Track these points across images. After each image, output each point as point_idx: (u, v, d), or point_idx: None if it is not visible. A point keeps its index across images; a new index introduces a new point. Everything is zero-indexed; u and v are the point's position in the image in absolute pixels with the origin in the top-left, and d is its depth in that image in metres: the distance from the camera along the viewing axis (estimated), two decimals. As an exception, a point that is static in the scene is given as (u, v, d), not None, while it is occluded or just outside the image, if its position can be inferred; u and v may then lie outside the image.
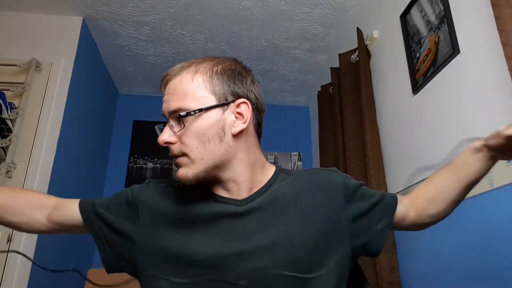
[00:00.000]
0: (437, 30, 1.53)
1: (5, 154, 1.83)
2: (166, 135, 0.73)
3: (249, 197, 0.76)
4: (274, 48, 2.52)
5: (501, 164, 1.15)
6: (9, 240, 1.72)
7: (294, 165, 3.13)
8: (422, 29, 1.65)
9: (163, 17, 2.24)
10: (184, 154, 0.73)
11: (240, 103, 0.76)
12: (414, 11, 1.72)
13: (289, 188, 0.78)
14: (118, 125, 3.04)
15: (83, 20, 2.24)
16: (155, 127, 0.79)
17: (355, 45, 2.18)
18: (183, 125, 0.72)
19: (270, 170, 0.82)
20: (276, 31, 2.36)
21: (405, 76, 1.76)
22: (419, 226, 0.86)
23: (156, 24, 2.30)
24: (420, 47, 1.66)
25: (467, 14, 1.37)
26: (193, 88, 0.73)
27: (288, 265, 0.70)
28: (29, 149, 1.89)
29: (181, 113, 0.71)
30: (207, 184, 0.77)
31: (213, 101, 0.73)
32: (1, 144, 1.83)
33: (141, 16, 2.23)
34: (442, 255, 1.43)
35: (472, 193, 1.26)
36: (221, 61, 0.78)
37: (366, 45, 2.13)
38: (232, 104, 0.75)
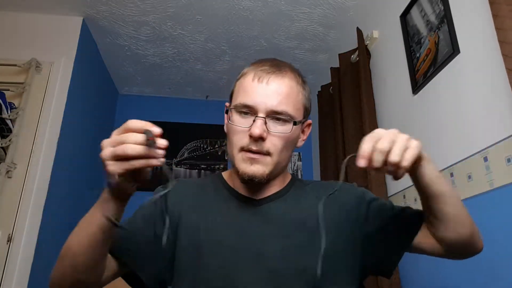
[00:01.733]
0: (437, 30, 1.53)
1: (5, 154, 1.83)
2: (263, 130, 0.73)
3: (267, 197, 0.81)
4: (274, 48, 2.52)
5: (501, 164, 1.15)
6: (9, 240, 1.72)
7: (294, 165, 3.13)
8: (422, 29, 1.65)
9: (163, 17, 2.24)
10: (269, 154, 0.75)
11: (309, 123, 0.85)
12: (414, 11, 1.72)
13: (305, 198, 0.82)
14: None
15: (83, 20, 2.24)
16: (233, 110, 0.78)
17: (355, 45, 2.18)
18: (289, 130, 0.75)
19: (288, 177, 0.88)
20: (276, 31, 2.36)
21: (405, 76, 1.76)
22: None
23: (156, 24, 2.30)
24: (420, 47, 1.66)
25: (467, 14, 1.37)
26: (300, 98, 0.79)
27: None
28: (29, 149, 1.89)
29: (296, 120, 0.76)
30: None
31: (302, 115, 0.80)
32: (1, 144, 1.84)
33: (141, 16, 2.23)
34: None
35: (472, 193, 1.27)
36: (305, 79, 0.85)
37: (366, 45, 2.13)
38: (305, 122, 0.84)
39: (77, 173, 2.29)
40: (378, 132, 0.63)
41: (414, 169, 0.68)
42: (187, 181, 0.90)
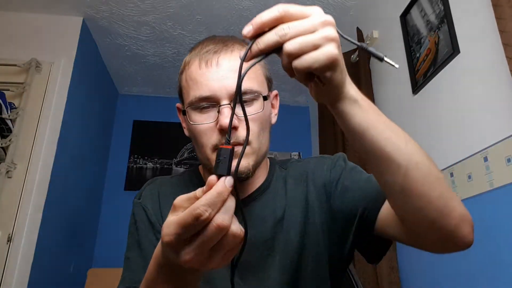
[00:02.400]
0: (437, 30, 1.53)
1: (5, 154, 1.83)
2: (232, 117, 0.49)
3: (250, 195, 0.73)
4: (274, 48, 2.52)
5: (501, 164, 1.15)
6: (9, 240, 1.72)
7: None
8: (422, 29, 1.65)
9: (163, 17, 2.24)
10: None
11: (276, 94, 0.75)
12: (414, 11, 1.72)
13: (285, 189, 0.75)
14: (118, 125, 3.04)
15: (83, 20, 2.24)
16: (188, 109, 0.66)
17: (355, 45, 2.18)
18: (261, 108, 0.65)
19: (268, 163, 0.79)
20: (276, 31, 2.36)
21: (405, 76, 1.76)
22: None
23: (156, 24, 2.30)
24: (420, 47, 1.65)
25: (467, 14, 1.37)
26: (258, 72, 0.68)
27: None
28: (29, 149, 1.89)
29: (264, 95, 0.65)
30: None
31: (266, 86, 0.70)
32: (1, 144, 1.84)
33: (141, 16, 2.23)
34: (442, 255, 1.43)
35: (472, 193, 1.27)
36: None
37: (366, 45, 2.13)
38: (271, 94, 0.73)
39: (77, 173, 2.29)
40: (306, 11, 0.42)
41: (332, 95, 0.50)
42: (163, 180, 0.81)
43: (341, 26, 2.26)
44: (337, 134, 2.24)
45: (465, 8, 1.38)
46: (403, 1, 1.79)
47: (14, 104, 1.97)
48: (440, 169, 1.45)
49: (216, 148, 0.65)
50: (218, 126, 0.63)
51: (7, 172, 1.80)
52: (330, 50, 0.44)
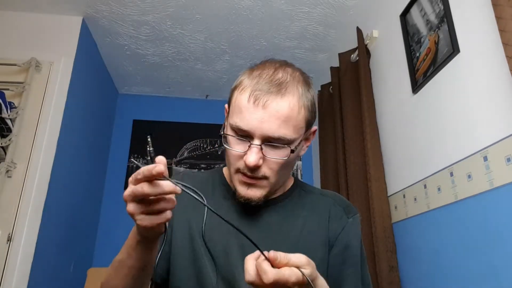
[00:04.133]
0: (437, 30, 1.53)
1: (5, 153, 1.83)
2: (258, 159, 0.68)
3: (268, 201, 0.78)
4: (274, 48, 2.52)
5: (501, 163, 1.15)
6: (9, 239, 1.72)
7: (294, 164, 3.12)
8: (422, 28, 1.65)
9: (163, 17, 2.24)
10: (265, 177, 0.71)
11: (314, 131, 0.79)
12: (414, 11, 1.72)
13: (299, 213, 0.80)
14: (118, 125, 3.04)
15: (83, 20, 2.24)
16: (228, 126, 0.72)
17: (355, 45, 2.18)
18: (286, 156, 0.70)
19: (290, 181, 0.86)
20: (276, 30, 2.36)
21: (405, 76, 1.76)
22: None
23: (156, 24, 2.30)
24: (420, 47, 1.65)
25: (467, 14, 1.37)
26: (302, 116, 0.71)
27: None
28: (29, 149, 1.89)
29: (292, 148, 0.70)
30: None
31: (303, 130, 0.74)
32: (1, 144, 1.83)
33: (141, 16, 2.23)
34: (442, 255, 1.43)
35: (472, 192, 1.27)
36: (312, 86, 0.76)
37: (366, 45, 2.13)
38: (308, 132, 0.77)
39: (77, 172, 2.29)
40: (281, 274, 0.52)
41: None
42: (190, 175, 0.88)
43: (341, 26, 2.25)
44: (337, 134, 2.24)
45: (465, 7, 1.38)
46: (403, 1, 1.79)
47: (14, 104, 1.97)
48: (440, 169, 1.45)
49: (239, 170, 0.72)
50: (244, 158, 0.69)
51: (7, 171, 1.80)
52: None
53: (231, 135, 0.71)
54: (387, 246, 1.71)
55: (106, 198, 2.79)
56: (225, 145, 0.73)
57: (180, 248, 0.77)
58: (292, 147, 0.70)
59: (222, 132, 0.75)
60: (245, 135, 0.69)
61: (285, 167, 0.74)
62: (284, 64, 0.76)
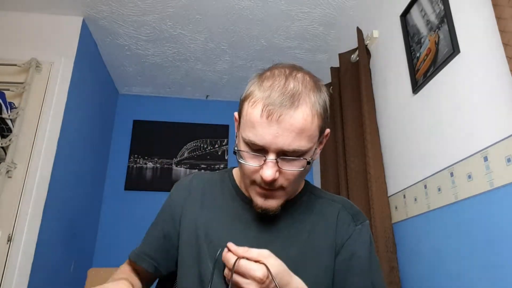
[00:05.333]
0: (437, 30, 1.53)
1: (5, 154, 1.83)
2: (274, 173, 0.68)
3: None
4: (274, 48, 2.52)
5: (501, 163, 1.15)
6: (9, 239, 1.72)
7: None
8: (422, 29, 1.65)
9: (163, 17, 2.24)
10: (282, 188, 0.72)
11: (327, 133, 0.78)
12: (414, 11, 1.72)
13: (308, 216, 0.81)
14: (118, 125, 3.04)
15: (83, 20, 2.24)
16: (241, 138, 0.71)
17: (355, 45, 2.18)
18: (302, 167, 0.70)
19: (301, 185, 0.85)
20: (276, 30, 2.36)
21: (405, 76, 1.76)
22: None
23: (156, 24, 2.30)
24: (420, 47, 1.65)
25: (467, 14, 1.37)
26: (315, 125, 0.70)
27: None
28: (29, 149, 1.89)
29: (308, 159, 0.69)
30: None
31: (317, 138, 0.72)
32: (1, 144, 1.84)
33: (141, 16, 2.23)
34: (442, 255, 1.43)
35: (472, 193, 1.27)
36: (323, 89, 0.74)
37: (366, 45, 2.13)
38: (322, 135, 0.76)
39: (77, 173, 2.29)
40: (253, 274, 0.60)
41: None
42: (198, 175, 0.89)
43: (341, 26, 2.25)
44: (337, 133, 2.24)
45: (465, 8, 1.38)
46: (403, 1, 1.79)
47: (14, 104, 1.97)
48: (441, 169, 1.45)
49: (255, 183, 0.72)
50: (260, 173, 0.69)
51: (7, 172, 1.80)
52: None
53: (245, 151, 0.70)
54: (387, 247, 1.71)
55: (106, 198, 2.79)
56: (240, 160, 0.72)
57: (186, 246, 0.78)
58: (308, 157, 0.70)
59: (235, 148, 0.74)
60: (259, 149, 0.69)
61: (301, 176, 0.74)
62: (294, 69, 0.73)
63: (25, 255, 1.74)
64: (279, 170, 0.69)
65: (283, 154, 0.68)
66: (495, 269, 1.16)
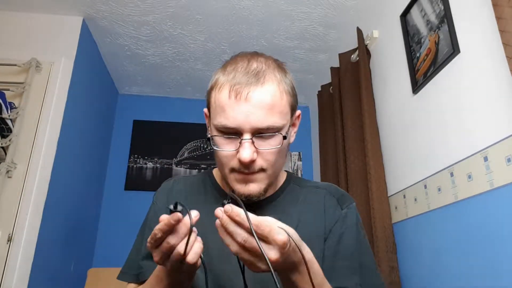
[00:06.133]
0: (437, 30, 1.53)
1: (5, 154, 1.83)
2: (252, 153, 0.66)
3: (258, 203, 0.76)
4: (274, 48, 2.52)
5: (501, 163, 1.15)
6: (9, 240, 1.72)
7: (294, 164, 3.13)
8: (422, 29, 1.65)
9: (163, 17, 2.24)
10: (262, 170, 0.70)
11: (298, 115, 0.77)
12: (414, 11, 1.72)
13: (294, 207, 0.79)
14: (118, 125, 3.04)
15: (83, 20, 2.24)
16: (213, 128, 0.70)
17: (355, 45, 2.18)
18: (279, 144, 0.68)
19: (283, 177, 0.84)
20: (276, 31, 2.36)
21: (405, 76, 1.76)
22: None
23: (156, 24, 2.30)
24: (420, 47, 1.65)
25: (467, 14, 1.37)
26: (285, 100, 0.70)
27: None
28: (29, 149, 1.89)
29: (284, 134, 0.68)
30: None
31: (289, 115, 0.72)
32: (1, 144, 1.84)
33: (141, 16, 2.23)
34: (443, 255, 1.43)
35: (472, 193, 1.27)
36: (288, 71, 0.75)
37: (366, 45, 2.13)
38: (293, 117, 0.76)
39: (77, 173, 2.29)
40: (267, 223, 0.53)
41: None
42: (180, 179, 0.87)
43: (341, 26, 2.25)
44: (337, 134, 2.24)
45: (465, 8, 1.38)
46: (403, 1, 1.79)
47: (14, 104, 1.97)
48: (441, 169, 1.45)
49: (234, 170, 0.69)
50: (237, 156, 0.67)
51: (7, 172, 1.80)
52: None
53: (218, 135, 0.69)
54: (387, 247, 1.71)
55: (106, 198, 2.79)
56: (214, 148, 0.70)
57: None
58: (283, 133, 0.69)
59: (208, 135, 0.72)
60: (233, 133, 0.67)
61: (280, 155, 0.72)
62: (255, 54, 0.74)
63: (25, 255, 1.74)
64: (257, 151, 0.67)
65: (257, 133, 0.67)
66: (495, 269, 1.16)
